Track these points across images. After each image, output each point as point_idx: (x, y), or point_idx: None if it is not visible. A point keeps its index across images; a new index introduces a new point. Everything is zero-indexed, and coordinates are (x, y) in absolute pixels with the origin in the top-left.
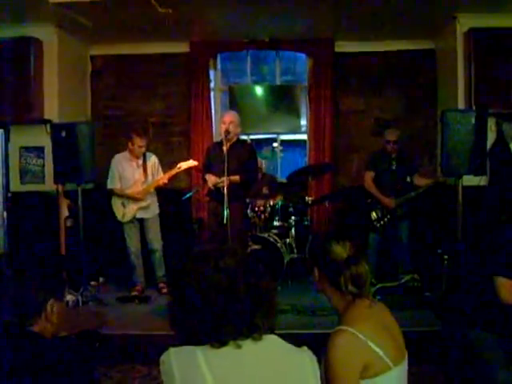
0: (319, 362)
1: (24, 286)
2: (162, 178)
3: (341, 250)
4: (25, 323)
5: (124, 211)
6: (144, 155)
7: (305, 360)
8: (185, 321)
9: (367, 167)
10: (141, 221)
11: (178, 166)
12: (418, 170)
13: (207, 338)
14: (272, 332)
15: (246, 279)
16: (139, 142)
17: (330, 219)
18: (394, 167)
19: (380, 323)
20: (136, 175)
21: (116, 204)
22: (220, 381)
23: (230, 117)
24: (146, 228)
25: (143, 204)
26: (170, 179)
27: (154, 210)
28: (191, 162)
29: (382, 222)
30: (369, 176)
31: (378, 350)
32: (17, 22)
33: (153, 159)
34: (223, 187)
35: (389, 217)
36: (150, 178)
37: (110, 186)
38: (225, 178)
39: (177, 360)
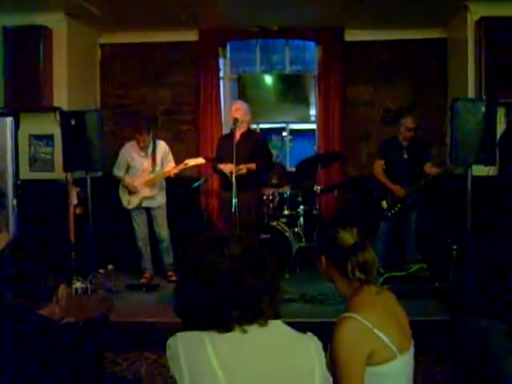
0: (325, 348)
1: (36, 270)
2: (167, 172)
3: (348, 237)
4: (34, 306)
5: (129, 198)
6: (154, 143)
7: (310, 346)
8: (190, 307)
9: (377, 155)
10: (148, 209)
11: (185, 162)
12: (429, 159)
13: (213, 324)
14: (277, 318)
15: (252, 265)
16: (137, 138)
17: (339, 208)
18: (405, 156)
19: (387, 311)
20: (144, 164)
21: (122, 190)
22: (226, 365)
23: (236, 105)
24: (153, 217)
25: (148, 194)
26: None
27: (161, 199)
28: (199, 160)
29: (392, 211)
30: (378, 164)
31: (384, 337)
32: (26, 11)
33: (162, 147)
34: (236, 176)
35: (399, 206)
36: (158, 167)
37: (115, 172)
38: (234, 166)
39: (183, 344)
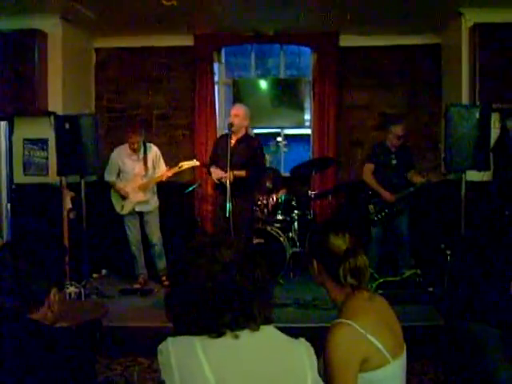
0: (318, 354)
1: (28, 274)
2: (161, 176)
3: (340, 243)
4: (26, 311)
5: (123, 203)
6: (145, 147)
7: (302, 351)
8: (182, 311)
9: (367, 159)
10: (140, 214)
11: (180, 165)
12: (415, 166)
13: (204, 329)
14: (269, 323)
15: (243, 270)
16: (132, 138)
17: (333, 213)
18: (393, 161)
19: (379, 316)
20: (136, 169)
21: (115, 196)
22: (217, 371)
23: (235, 110)
24: (145, 222)
25: (141, 198)
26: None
27: (153, 204)
28: (193, 162)
29: (379, 216)
30: (368, 168)
31: (376, 343)
32: (21, 14)
33: (154, 151)
34: (227, 181)
35: (387, 211)
36: (150, 171)
37: (106, 178)
38: (228, 173)
39: (174, 349)
